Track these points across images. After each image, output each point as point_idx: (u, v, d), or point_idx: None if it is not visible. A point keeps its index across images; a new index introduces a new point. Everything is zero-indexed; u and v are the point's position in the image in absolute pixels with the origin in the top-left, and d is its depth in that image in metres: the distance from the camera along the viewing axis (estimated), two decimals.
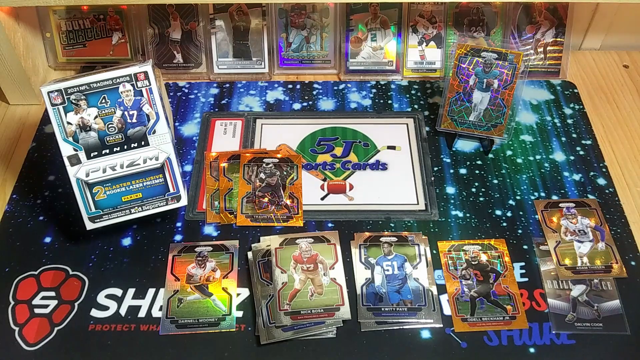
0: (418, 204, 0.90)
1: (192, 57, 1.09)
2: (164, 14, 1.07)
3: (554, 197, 0.91)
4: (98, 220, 0.78)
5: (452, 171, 0.95)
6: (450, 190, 0.92)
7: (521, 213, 0.89)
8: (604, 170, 0.95)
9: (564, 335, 0.76)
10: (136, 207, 0.79)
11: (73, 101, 0.75)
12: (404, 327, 0.77)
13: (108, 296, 0.79)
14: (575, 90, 1.08)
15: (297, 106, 1.05)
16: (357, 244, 0.84)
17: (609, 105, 1.07)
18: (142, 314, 0.78)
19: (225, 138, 0.99)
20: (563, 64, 1.10)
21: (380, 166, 0.95)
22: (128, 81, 0.76)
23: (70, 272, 0.82)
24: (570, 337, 0.76)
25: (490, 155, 0.97)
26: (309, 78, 1.11)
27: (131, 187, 0.78)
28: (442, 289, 0.80)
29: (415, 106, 1.05)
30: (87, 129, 0.76)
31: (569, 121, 1.03)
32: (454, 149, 0.98)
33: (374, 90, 1.08)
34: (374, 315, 0.77)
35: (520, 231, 0.87)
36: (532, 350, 0.75)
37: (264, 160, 0.93)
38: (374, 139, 0.99)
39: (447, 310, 0.78)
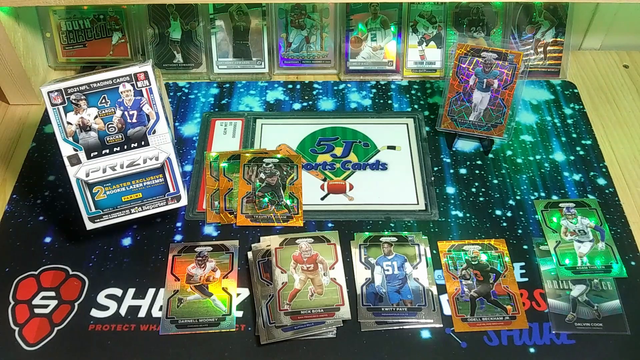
0: (418, 204, 0.90)
1: (192, 57, 1.09)
2: (164, 14, 1.07)
3: (554, 197, 0.91)
4: (98, 220, 0.78)
5: (452, 171, 0.95)
6: (450, 190, 0.92)
7: (521, 213, 0.89)
8: (604, 170, 0.95)
9: (564, 335, 0.76)
10: (136, 207, 0.79)
11: (73, 101, 0.75)
12: (404, 327, 0.77)
13: (108, 296, 0.79)
14: (575, 90, 1.08)
15: (297, 106, 1.05)
16: (357, 244, 0.84)
17: (609, 105, 1.07)
18: (142, 314, 0.78)
19: (225, 138, 0.99)
20: (563, 64, 1.10)
21: (380, 166, 0.95)
22: (128, 81, 0.76)
23: (70, 272, 0.82)
24: (570, 337, 0.76)
25: (490, 155, 0.97)
26: (309, 78, 1.11)
27: (131, 187, 0.78)
28: (442, 289, 0.80)
29: (415, 106, 1.05)
30: (87, 129, 0.76)
31: (569, 121, 1.03)
32: (454, 149, 0.98)
33: (374, 90, 1.08)
34: (374, 315, 0.77)
35: (520, 231, 0.87)
36: (532, 350, 0.75)
37: (264, 160, 0.93)
38: (374, 139, 0.99)
39: (447, 310, 0.78)
